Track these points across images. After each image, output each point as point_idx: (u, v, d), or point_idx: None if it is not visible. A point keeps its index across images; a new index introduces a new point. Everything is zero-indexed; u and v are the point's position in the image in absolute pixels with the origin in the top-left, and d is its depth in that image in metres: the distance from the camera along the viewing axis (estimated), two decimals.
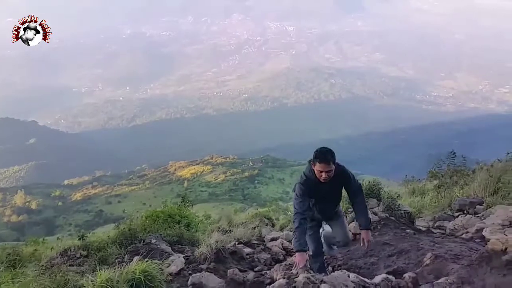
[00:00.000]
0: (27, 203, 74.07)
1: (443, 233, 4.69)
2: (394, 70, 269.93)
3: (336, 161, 3.77)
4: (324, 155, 3.65)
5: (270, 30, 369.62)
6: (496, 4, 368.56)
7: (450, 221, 5.17)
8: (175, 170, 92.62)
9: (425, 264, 3.57)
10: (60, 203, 76.36)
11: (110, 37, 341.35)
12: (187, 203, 7.72)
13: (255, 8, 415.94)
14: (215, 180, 79.43)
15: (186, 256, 4.45)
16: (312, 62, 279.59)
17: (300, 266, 3.61)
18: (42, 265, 4.76)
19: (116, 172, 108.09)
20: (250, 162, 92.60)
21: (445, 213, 5.69)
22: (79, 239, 5.24)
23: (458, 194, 6.16)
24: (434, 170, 8.69)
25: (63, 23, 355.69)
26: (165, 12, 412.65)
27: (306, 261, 3.71)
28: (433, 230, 4.89)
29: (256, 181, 77.54)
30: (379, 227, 5.09)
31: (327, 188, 3.85)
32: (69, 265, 4.69)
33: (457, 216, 5.29)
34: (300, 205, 3.77)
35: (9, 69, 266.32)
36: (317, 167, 3.67)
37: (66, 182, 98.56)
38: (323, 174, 3.67)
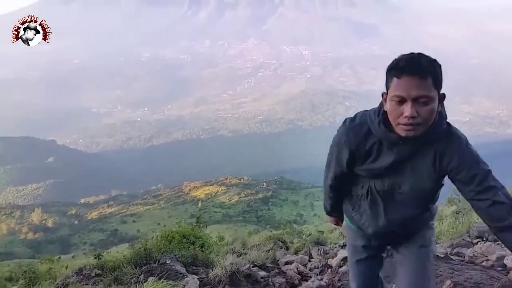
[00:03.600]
0: (43, 221, 74.89)
1: (462, 260, 4.57)
2: None
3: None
4: (414, 59, 1.55)
5: (285, 54, 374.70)
6: (510, 30, 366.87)
7: (469, 248, 5.04)
8: (190, 190, 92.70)
9: None
10: (76, 222, 76.86)
11: (129, 60, 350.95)
12: (201, 223, 7.72)
13: (271, 32, 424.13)
14: (229, 201, 79.04)
15: (200, 277, 4.43)
16: (327, 86, 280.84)
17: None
18: (58, 284, 4.80)
19: (132, 192, 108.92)
20: (264, 184, 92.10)
21: (463, 239, 5.56)
22: (95, 258, 5.28)
23: (476, 221, 6.02)
24: (451, 196, 8.51)
25: (83, 46, 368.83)
26: (183, 36, 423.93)
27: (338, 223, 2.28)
28: (451, 257, 4.77)
29: (270, 203, 76.87)
30: None
31: (403, 158, 1.64)
32: (84, 284, 4.71)
33: (476, 243, 5.16)
34: (329, 175, 1.94)
35: (29, 90, 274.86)
36: (396, 88, 1.53)
37: (82, 200, 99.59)
38: (409, 108, 1.47)
